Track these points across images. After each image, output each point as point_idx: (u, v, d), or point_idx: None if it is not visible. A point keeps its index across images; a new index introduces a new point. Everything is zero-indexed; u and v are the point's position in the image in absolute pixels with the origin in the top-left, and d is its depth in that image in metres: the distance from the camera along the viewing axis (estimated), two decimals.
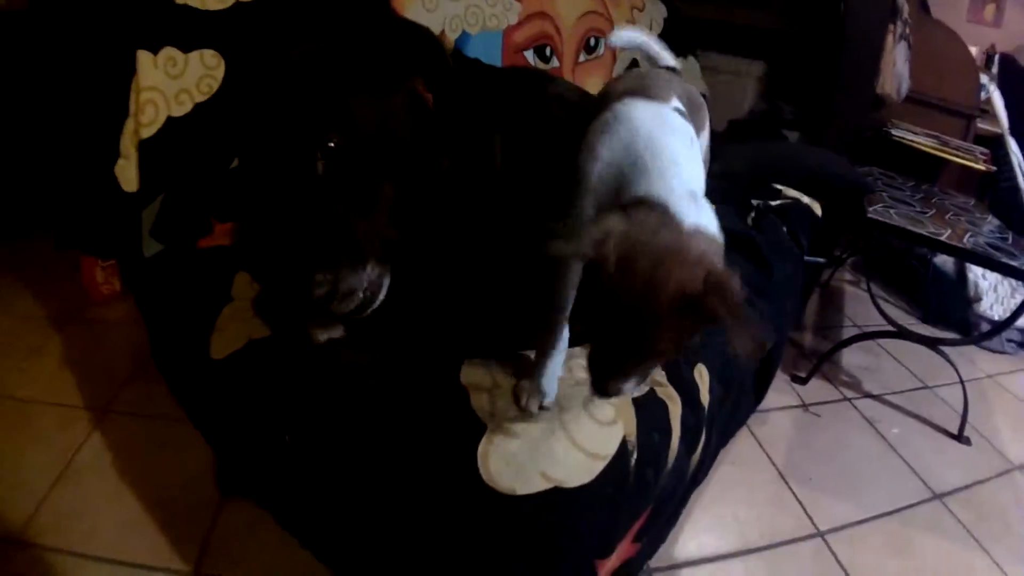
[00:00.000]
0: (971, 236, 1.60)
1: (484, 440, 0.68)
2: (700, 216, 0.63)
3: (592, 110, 0.81)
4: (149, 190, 1.01)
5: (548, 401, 0.74)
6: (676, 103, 0.79)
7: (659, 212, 0.62)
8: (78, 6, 1.02)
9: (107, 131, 0.99)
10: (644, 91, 0.78)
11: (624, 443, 0.73)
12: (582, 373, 0.82)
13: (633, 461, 0.74)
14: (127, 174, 0.99)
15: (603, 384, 0.62)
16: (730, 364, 0.99)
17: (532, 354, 0.80)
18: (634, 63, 1.98)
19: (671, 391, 0.84)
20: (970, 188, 2.60)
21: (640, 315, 0.57)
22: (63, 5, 1.05)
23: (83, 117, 1.03)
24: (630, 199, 0.65)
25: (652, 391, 0.82)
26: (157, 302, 1.00)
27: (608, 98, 0.79)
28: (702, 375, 0.90)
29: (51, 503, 1.15)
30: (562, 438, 0.70)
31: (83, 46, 1.02)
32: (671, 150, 0.68)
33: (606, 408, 0.75)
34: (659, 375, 0.85)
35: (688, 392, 0.86)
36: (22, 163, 1.78)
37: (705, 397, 0.88)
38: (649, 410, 0.79)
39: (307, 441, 0.75)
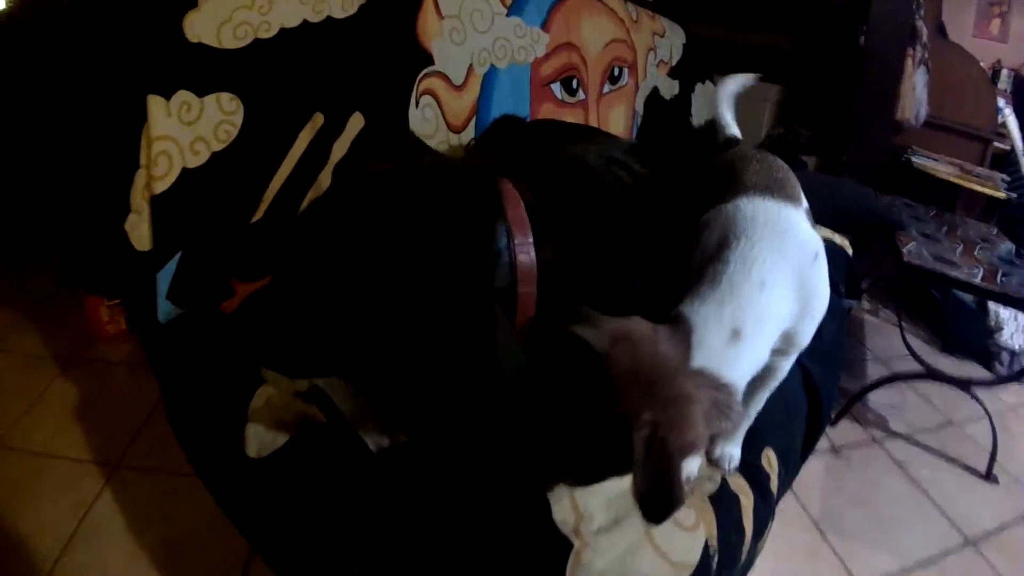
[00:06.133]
0: (1003, 275, 1.57)
1: (571, 560, 0.64)
2: (723, 357, 0.59)
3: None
4: (164, 249, 0.92)
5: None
6: (806, 204, 0.74)
7: (680, 336, 0.59)
8: (82, 43, 0.92)
9: (115, 182, 0.90)
10: (779, 189, 0.72)
11: (706, 547, 0.70)
12: None
13: (715, 565, 0.70)
14: (139, 231, 0.91)
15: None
16: (790, 440, 0.95)
17: None
18: (655, 92, 1.94)
19: (741, 482, 0.80)
20: (981, 205, 2.59)
21: (597, 421, 0.57)
22: (67, 40, 0.97)
23: (88, 163, 0.94)
24: (675, 310, 0.63)
25: (724, 483, 0.78)
26: (177, 373, 0.90)
27: (735, 184, 0.74)
28: (771, 461, 0.86)
29: (63, 568, 1.11)
30: (650, 551, 0.66)
31: (87, 87, 0.92)
32: (764, 271, 0.63)
33: (687, 511, 0.70)
34: None
35: (760, 483, 0.82)
36: (22, 190, 1.70)
37: (775, 484, 0.84)
38: (725, 507, 0.76)
39: (378, 569, 0.68)
